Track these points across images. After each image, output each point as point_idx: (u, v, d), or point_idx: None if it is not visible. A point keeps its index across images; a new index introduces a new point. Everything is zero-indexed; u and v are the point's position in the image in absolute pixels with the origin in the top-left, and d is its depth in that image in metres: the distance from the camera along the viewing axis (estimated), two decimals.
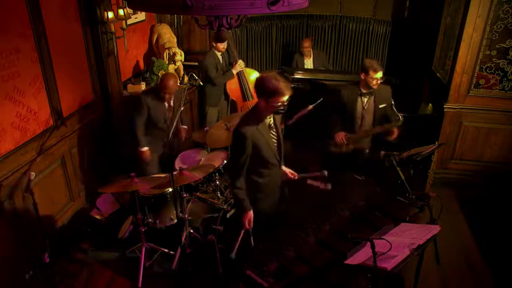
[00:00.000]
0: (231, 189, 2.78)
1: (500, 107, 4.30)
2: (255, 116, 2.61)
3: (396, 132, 3.60)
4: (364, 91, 3.53)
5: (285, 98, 2.48)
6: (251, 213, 2.67)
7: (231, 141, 2.70)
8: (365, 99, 3.56)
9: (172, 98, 3.75)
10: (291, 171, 2.88)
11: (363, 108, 3.58)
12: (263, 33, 6.64)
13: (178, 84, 4.84)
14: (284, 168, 2.87)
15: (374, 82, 3.43)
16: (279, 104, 2.48)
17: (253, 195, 2.73)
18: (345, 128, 3.64)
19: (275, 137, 2.71)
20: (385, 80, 3.67)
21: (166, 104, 3.74)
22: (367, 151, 3.69)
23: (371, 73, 3.39)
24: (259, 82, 2.51)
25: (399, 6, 6.09)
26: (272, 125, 2.68)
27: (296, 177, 2.84)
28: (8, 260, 3.13)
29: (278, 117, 2.75)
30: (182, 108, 3.50)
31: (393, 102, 3.61)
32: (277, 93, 2.43)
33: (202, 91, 4.98)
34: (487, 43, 4.10)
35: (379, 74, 3.40)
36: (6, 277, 3.11)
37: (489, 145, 4.49)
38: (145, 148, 3.74)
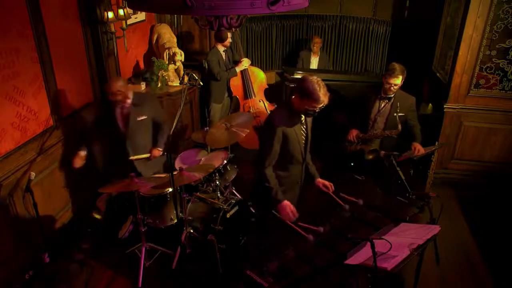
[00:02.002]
0: (259, 182, 2.79)
1: (500, 107, 4.30)
2: (288, 109, 2.67)
3: (417, 148, 3.44)
4: (383, 95, 3.50)
5: (319, 105, 2.53)
6: (286, 202, 2.66)
7: (262, 131, 2.74)
8: (382, 103, 3.52)
9: (127, 104, 3.37)
10: (327, 183, 2.85)
11: (378, 111, 3.54)
12: (263, 33, 6.64)
13: (178, 83, 4.88)
14: (319, 179, 2.88)
15: (388, 86, 3.38)
16: (310, 107, 2.54)
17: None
18: (356, 127, 3.65)
19: (304, 134, 2.77)
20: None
21: (118, 111, 3.39)
22: (370, 156, 3.59)
23: (387, 76, 3.35)
24: (302, 80, 2.57)
25: (399, 6, 6.09)
26: (303, 121, 2.74)
27: (331, 192, 2.80)
28: (8, 260, 3.14)
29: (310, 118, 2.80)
30: (181, 109, 3.48)
31: (416, 115, 3.57)
32: (313, 96, 2.49)
33: (206, 87, 5.01)
34: (487, 43, 4.10)
35: (395, 80, 3.33)
36: (6, 277, 3.11)
37: (489, 145, 4.49)
38: (82, 153, 3.47)
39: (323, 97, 2.50)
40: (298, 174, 2.87)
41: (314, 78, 2.53)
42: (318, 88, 2.47)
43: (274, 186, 2.69)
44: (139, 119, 3.45)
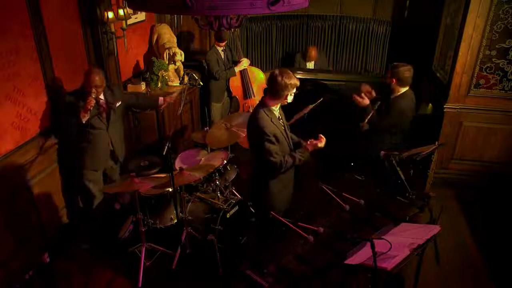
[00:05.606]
0: (257, 184, 2.88)
1: (500, 107, 4.30)
2: (266, 109, 2.72)
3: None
4: None
5: (296, 86, 2.68)
6: (307, 146, 2.74)
7: (256, 138, 2.73)
8: None
9: (101, 95, 3.32)
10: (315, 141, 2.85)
11: None
12: (263, 33, 6.64)
13: (178, 83, 4.88)
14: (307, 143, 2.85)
15: None
16: (291, 93, 2.68)
17: (270, 189, 2.80)
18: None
19: (283, 128, 2.83)
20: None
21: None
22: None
23: None
24: (270, 80, 2.66)
25: (399, 6, 6.09)
26: (280, 116, 2.83)
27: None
28: (8, 260, 3.13)
29: (282, 111, 2.88)
30: (181, 109, 3.47)
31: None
32: (289, 84, 2.62)
33: (206, 87, 5.01)
34: (487, 43, 4.09)
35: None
36: (6, 277, 3.11)
37: (489, 145, 4.49)
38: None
39: (295, 80, 2.63)
40: (291, 170, 2.88)
41: (276, 72, 2.65)
42: (287, 76, 2.60)
43: (296, 156, 2.71)
44: (117, 105, 3.39)
